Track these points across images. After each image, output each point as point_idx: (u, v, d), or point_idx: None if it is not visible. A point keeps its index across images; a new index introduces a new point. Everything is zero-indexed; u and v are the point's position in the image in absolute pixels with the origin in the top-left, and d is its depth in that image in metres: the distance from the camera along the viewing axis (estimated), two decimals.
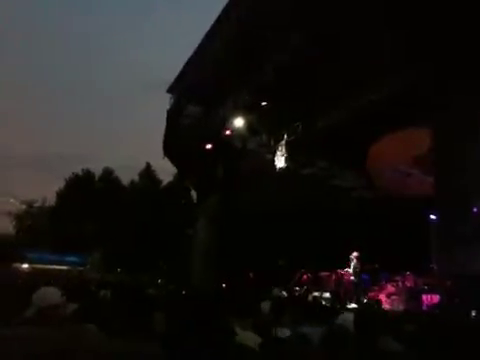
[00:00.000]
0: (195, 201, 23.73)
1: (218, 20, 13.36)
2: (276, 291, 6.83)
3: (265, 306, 4.98)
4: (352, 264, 13.90)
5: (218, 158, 17.37)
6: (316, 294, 12.79)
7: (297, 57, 11.80)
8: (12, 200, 48.95)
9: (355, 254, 13.93)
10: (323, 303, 9.94)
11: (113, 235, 34.36)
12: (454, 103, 9.71)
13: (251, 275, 16.57)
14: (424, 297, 10.63)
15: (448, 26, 9.13)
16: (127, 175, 42.92)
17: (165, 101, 17.81)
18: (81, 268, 29.92)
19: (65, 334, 2.64)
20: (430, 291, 10.51)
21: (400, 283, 12.20)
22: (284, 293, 10.63)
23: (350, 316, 3.81)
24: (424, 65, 10.10)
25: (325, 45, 10.98)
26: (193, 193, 26.74)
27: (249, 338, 3.36)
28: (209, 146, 16.62)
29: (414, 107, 10.94)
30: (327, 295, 12.82)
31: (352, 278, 13.76)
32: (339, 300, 11.85)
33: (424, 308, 10.24)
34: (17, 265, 27.80)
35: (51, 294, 3.32)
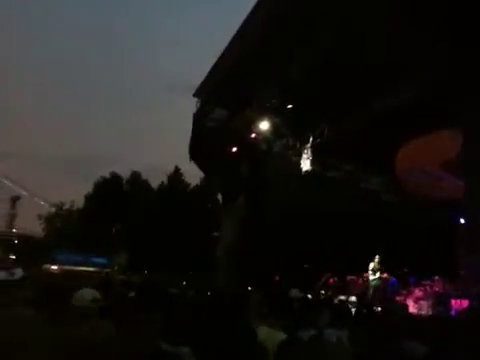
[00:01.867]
0: (221, 204, 23.81)
1: (244, 22, 13.41)
2: (295, 292, 6.77)
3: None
4: (376, 265, 13.73)
5: (244, 161, 17.41)
6: (342, 298, 12.70)
7: (323, 59, 11.76)
8: (42, 203, 50.05)
9: (376, 257, 13.79)
10: (349, 307, 9.83)
11: (140, 237, 34.74)
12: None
13: (277, 278, 16.53)
14: (453, 302, 10.43)
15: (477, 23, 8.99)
16: (155, 178, 43.40)
17: (192, 105, 17.97)
18: (108, 269, 30.31)
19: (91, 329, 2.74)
20: (459, 296, 10.31)
21: (428, 288, 12.02)
22: (308, 295, 10.56)
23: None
24: (454, 66, 9.94)
25: (352, 46, 10.92)
26: (219, 196, 26.82)
27: (269, 337, 3.39)
28: (235, 149, 16.68)
29: (443, 109, 10.79)
30: (353, 299, 12.70)
31: (371, 278, 13.58)
32: (365, 304, 11.72)
33: (452, 313, 10.05)
34: (47, 266, 28.36)
35: (88, 294, 3.49)
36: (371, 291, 13.48)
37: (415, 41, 10.05)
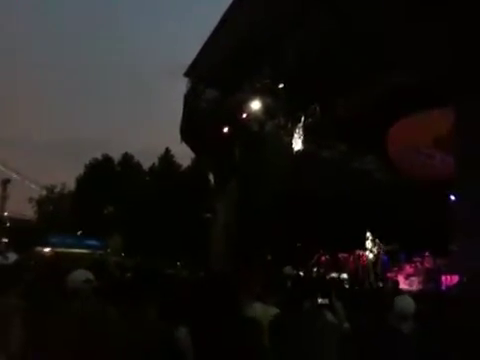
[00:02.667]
0: (213, 185, 23.82)
1: (236, 1, 13.26)
2: (288, 269, 6.86)
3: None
4: (368, 243, 13.86)
5: (236, 141, 17.38)
6: (334, 275, 12.87)
7: (315, 39, 11.69)
8: (33, 186, 49.75)
9: (368, 234, 13.89)
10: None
11: (132, 219, 34.75)
12: (474, 83, 9.57)
13: (269, 257, 16.67)
14: (443, 278, 10.60)
15: (470, 9, 8.97)
16: (146, 160, 43.23)
17: (183, 85, 17.82)
18: (101, 252, 30.33)
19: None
20: (449, 272, 10.48)
21: (419, 264, 12.20)
22: (301, 273, 10.70)
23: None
24: (442, 48, 9.95)
25: (345, 28, 10.87)
26: (211, 177, 26.82)
27: (263, 313, 3.46)
28: (226, 130, 16.62)
29: (434, 89, 10.81)
30: (345, 276, 12.88)
31: (370, 256, 13.71)
32: (357, 281, 11.89)
33: (443, 289, 10.23)
34: (39, 249, 28.33)
35: (82, 275, 3.51)
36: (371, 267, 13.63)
37: (410, 25, 10.01)
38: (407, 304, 3.67)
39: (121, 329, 2.57)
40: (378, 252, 13.71)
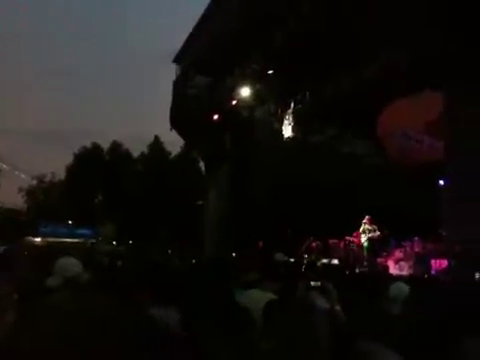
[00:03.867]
0: (203, 172, 23.78)
1: None
2: (279, 256, 6.89)
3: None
4: (362, 227, 13.85)
5: (226, 128, 17.32)
6: (325, 261, 12.91)
7: (305, 24, 11.62)
8: (23, 175, 49.39)
9: (367, 217, 13.87)
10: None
11: (123, 207, 34.68)
12: (465, 67, 9.57)
13: (261, 244, 16.70)
14: (433, 262, 10.68)
15: None
16: (136, 148, 43.08)
17: (172, 72, 17.70)
18: (93, 240, 30.29)
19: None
20: (438, 256, 10.57)
21: (408, 248, 12.27)
22: (291, 259, 10.74)
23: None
24: (434, 31, 9.92)
25: (334, 11, 10.80)
26: (201, 164, 26.77)
27: (261, 299, 3.46)
28: (216, 116, 16.55)
29: (425, 73, 10.80)
30: (336, 262, 12.94)
31: (363, 239, 13.71)
32: (348, 266, 11.95)
33: (432, 273, 10.32)
34: (30, 239, 28.23)
35: (72, 265, 3.47)
36: (365, 253, 13.65)
37: (396, 7, 9.96)
38: (399, 289, 3.80)
39: (111, 321, 2.54)
40: (372, 237, 13.74)
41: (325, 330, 2.64)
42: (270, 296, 3.66)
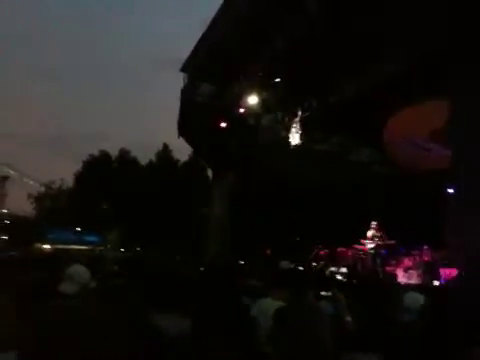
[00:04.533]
0: (211, 179, 23.81)
1: None
2: (285, 264, 6.88)
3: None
4: (370, 233, 13.77)
5: (233, 136, 17.36)
6: (333, 269, 12.87)
7: (310, 31, 11.63)
8: (32, 182, 49.72)
9: (374, 223, 13.80)
10: (339, 278, 10.01)
11: (131, 214, 34.77)
12: (471, 73, 9.52)
13: (268, 252, 16.69)
14: (442, 271, 10.61)
15: None
16: (144, 154, 43.27)
17: (180, 80, 17.78)
18: (101, 247, 30.38)
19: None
20: (448, 265, 10.49)
21: (417, 257, 12.20)
22: (300, 267, 10.70)
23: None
24: (440, 35, 9.89)
25: (339, 18, 10.80)
26: (209, 172, 26.83)
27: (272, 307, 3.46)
28: (223, 124, 16.60)
29: (431, 79, 10.77)
30: (344, 270, 12.89)
31: (369, 246, 13.65)
32: (356, 275, 11.91)
33: (442, 282, 10.24)
34: (38, 246, 28.36)
35: (84, 272, 3.51)
36: (370, 259, 13.58)
37: (401, 11, 9.96)
38: (414, 299, 3.80)
39: (117, 330, 2.54)
40: (377, 245, 13.68)
41: (330, 337, 2.63)
42: (280, 304, 3.66)
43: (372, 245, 13.66)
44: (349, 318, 3.82)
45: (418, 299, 3.86)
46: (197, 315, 2.62)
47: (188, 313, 2.73)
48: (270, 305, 3.70)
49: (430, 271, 11.09)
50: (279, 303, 3.72)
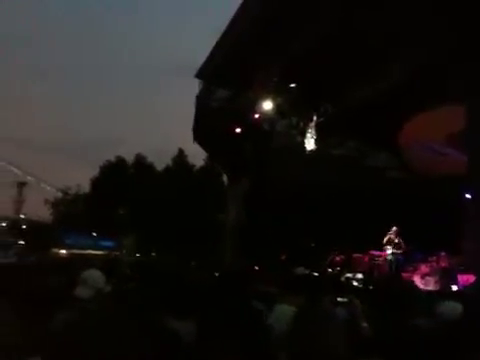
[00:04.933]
0: (226, 185, 23.85)
1: (244, 2, 13.24)
2: (300, 270, 6.83)
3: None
4: (387, 238, 13.60)
5: (248, 141, 17.39)
6: (349, 275, 12.77)
7: (325, 36, 11.62)
8: (49, 188, 50.32)
9: (394, 229, 13.62)
10: (355, 284, 9.93)
11: (146, 219, 34.94)
12: None
13: (283, 257, 16.63)
14: (459, 277, 10.48)
15: None
16: (160, 160, 43.53)
17: (195, 86, 17.87)
18: (117, 252, 30.57)
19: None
20: (465, 271, 10.35)
21: (434, 263, 12.05)
22: (315, 273, 10.64)
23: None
24: (456, 38, 9.81)
25: (354, 21, 10.78)
26: (224, 177, 26.88)
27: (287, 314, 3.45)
28: (238, 130, 16.64)
29: (447, 83, 10.68)
30: (360, 276, 12.78)
31: (388, 252, 13.49)
32: (372, 281, 11.79)
33: (459, 288, 10.11)
34: (55, 251, 28.64)
35: (99, 277, 3.54)
36: (387, 265, 13.45)
37: (416, 14, 9.90)
38: (452, 308, 3.66)
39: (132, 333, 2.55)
40: (396, 251, 13.52)
41: (344, 344, 2.61)
42: (295, 310, 3.65)
43: (390, 251, 13.52)
44: (365, 324, 3.79)
45: (456, 308, 3.68)
46: (203, 319, 2.62)
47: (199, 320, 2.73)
48: (285, 311, 3.69)
49: (447, 277, 10.95)
50: (294, 309, 3.71)
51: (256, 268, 13.92)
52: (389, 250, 13.57)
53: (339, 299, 4.44)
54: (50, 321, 2.90)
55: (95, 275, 3.59)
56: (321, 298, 4.21)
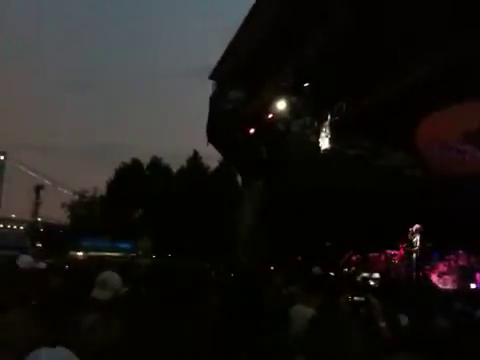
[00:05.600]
0: (241, 185, 23.85)
1: (258, 3, 13.25)
2: (317, 270, 6.80)
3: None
4: (413, 239, 13.38)
5: (262, 142, 17.36)
6: (365, 275, 12.68)
7: (340, 35, 11.58)
8: (66, 191, 50.82)
9: (417, 226, 13.36)
10: (372, 284, 9.85)
11: (162, 221, 35.06)
12: None
13: (299, 258, 16.56)
14: (478, 276, 10.35)
15: None
16: (175, 161, 43.68)
17: (209, 87, 17.92)
18: (133, 254, 30.73)
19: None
20: None
21: (452, 262, 11.92)
22: (331, 273, 10.58)
23: None
24: (471, 36, 9.71)
25: (369, 21, 10.73)
26: (239, 178, 26.88)
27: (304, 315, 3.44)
28: (252, 130, 16.63)
29: (463, 81, 10.57)
30: (376, 275, 12.68)
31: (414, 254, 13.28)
32: (389, 281, 11.70)
33: (478, 287, 10.00)
34: (72, 253, 28.90)
35: (117, 279, 3.57)
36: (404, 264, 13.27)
37: (431, 15, 9.82)
38: None
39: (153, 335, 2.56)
40: (412, 250, 13.35)
41: (361, 343, 2.60)
42: (312, 311, 3.63)
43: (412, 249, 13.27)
44: (383, 323, 3.75)
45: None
46: (219, 320, 2.62)
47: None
48: (302, 312, 3.68)
49: (466, 276, 10.82)
50: (311, 310, 3.69)
51: (271, 268, 13.90)
52: (411, 248, 13.31)
53: (356, 298, 4.41)
54: (74, 322, 2.93)
55: (113, 277, 3.61)
56: (338, 299, 4.19)
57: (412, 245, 13.35)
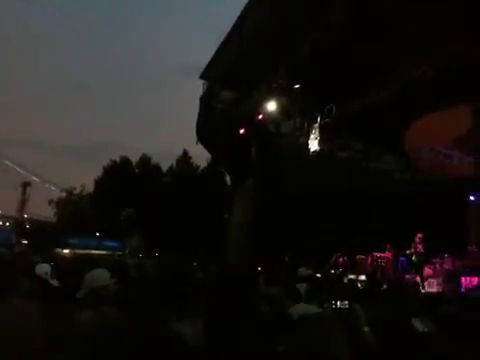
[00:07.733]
0: (229, 185, 23.81)
1: (250, 2, 13.23)
2: (303, 271, 6.79)
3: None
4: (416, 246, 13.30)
5: (252, 142, 17.35)
6: (351, 277, 12.74)
7: (331, 38, 11.60)
8: (53, 188, 50.49)
9: (419, 235, 13.28)
10: (359, 285, 9.88)
11: (151, 220, 34.95)
12: None
13: (286, 258, 16.60)
14: (463, 279, 10.44)
15: None
16: (165, 161, 43.58)
17: (199, 87, 17.86)
18: (120, 253, 30.58)
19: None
20: (469, 273, 10.32)
21: (438, 266, 12.01)
22: (318, 275, 10.60)
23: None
24: (462, 42, 9.79)
25: (362, 24, 10.77)
26: (228, 178, 26.87)
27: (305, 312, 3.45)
28: (242, 131, 16.61)
29: (452, 86, 10.65)
30: (363, 278, 12.74)
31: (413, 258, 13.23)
32: (376, 283, 11.74)
33: (462, 290, 10.08)
34: (59, 250, 28.67)
35: (100, 275, 3.54)
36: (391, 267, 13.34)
37: (422, 19, 9.88)
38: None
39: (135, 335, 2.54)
40: (397, 253, 13.47)
41: (345, 348, 2.61)
42: (313, 309, 3.65)
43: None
44: (367, 328, 3.76)
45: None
46: (209, 320, 2.61)
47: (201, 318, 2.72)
48: (304, 310, 3.70)
49: (451, 280, 10.90)
50: (313, 308, 3.71)
51: (259, 269, 13.90)
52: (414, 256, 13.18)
53: (339, 303, 4.41)
54: (68, 320, 2.90)
55: (94, 274, 3.58)
56: (323, 303, 4.20)
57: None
